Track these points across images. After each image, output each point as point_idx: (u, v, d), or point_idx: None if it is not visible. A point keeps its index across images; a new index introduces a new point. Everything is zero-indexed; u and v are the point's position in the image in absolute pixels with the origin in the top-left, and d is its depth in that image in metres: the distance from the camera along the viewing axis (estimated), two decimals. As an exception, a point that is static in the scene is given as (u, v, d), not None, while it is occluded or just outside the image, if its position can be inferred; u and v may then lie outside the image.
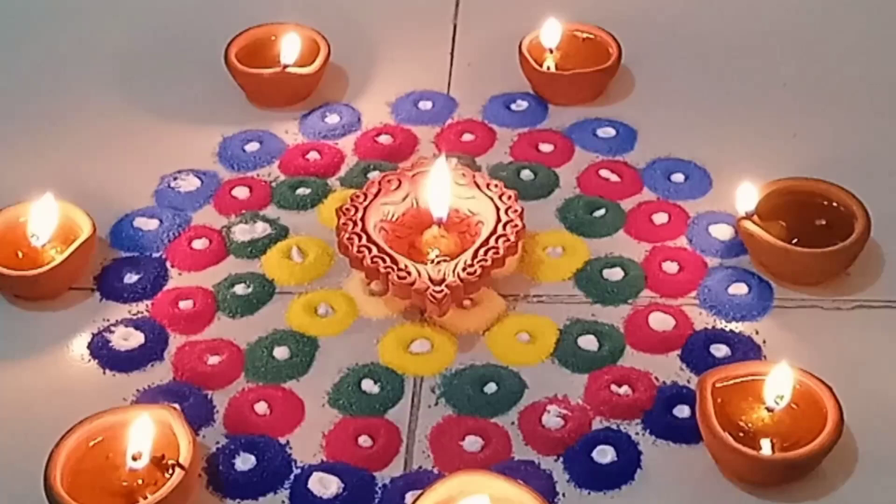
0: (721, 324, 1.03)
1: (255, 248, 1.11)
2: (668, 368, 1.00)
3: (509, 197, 1.07)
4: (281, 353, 1.02)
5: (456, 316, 1.03)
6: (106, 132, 1.25)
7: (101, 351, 1.03)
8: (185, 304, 1.06)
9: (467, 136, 1.22)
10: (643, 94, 1.27)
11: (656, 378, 0.99)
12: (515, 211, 1.06)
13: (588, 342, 1.02)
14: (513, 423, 0.97)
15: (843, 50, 1.32)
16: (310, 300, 1.06)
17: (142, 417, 0.92)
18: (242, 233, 1.12)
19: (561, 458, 0.94)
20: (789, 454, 0.90)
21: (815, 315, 1.04)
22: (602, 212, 1.13)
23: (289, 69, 1.24)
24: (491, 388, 0.99)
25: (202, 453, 0.94)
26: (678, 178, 1.16)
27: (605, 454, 0.94)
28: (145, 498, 0.89)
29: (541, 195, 1.15)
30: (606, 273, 1.07)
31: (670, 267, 1.08)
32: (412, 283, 1.01)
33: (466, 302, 1.04)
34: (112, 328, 1.05)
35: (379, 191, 1.08)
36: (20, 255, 1.07)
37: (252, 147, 1.22)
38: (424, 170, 1.09)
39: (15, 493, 0.93)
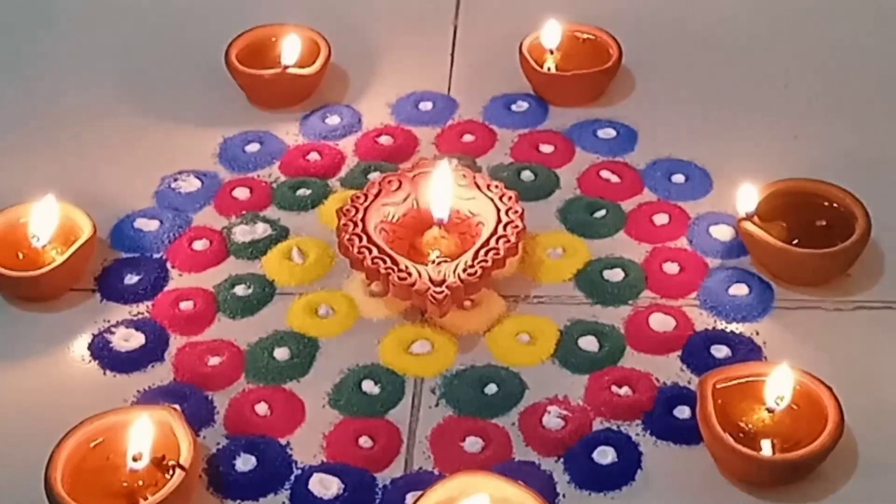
0: (721, 325, 1.03)
1: (256, 249, 1.11)
2: (669, 369, 1.00)
3: (510, 198, 1.07)
4: (281, 353, 1.02)
5: (456, 317, 1.03)
6: (107, 133, 1.25)
7: (102, 352, 1.03)
8: (185, 305, 1.06)
9: (468, 137, 1.22)
10: (643, 94, 1.27)
11: (657, 379, 0.99)
12: (516, 212, 1.06)
13: (588, 343, 1.02)
14: (513, 423, 0.97)
15: (844, 51, 1.32)
16: (310, 301, 1.06)
17: (142, 418, 0.92)
18: (243, 234, 1.12)
19: (561, 459, 0.94)
20: (790, 455, 0.90)
21: (815, 316, 1.04)
22: (602, 213, 1.13)
23: (289, 70, 1.24)
24: (491, 388, 0.99)
25: (203, 454, 0.94)
26: (679, 178, 1.16)
27: (605, 455, 0.94)
28: (146, 499, 0.89)
29: (541, 196, 1.15)
30: (607, 274, 1.07)
31: (671, 268, 1.08)
32: (413, 284, 1.01)
33: (467, 303, 1.04)
34: (112, 329, 1.05)
35: (379, 192, 1.08)
36: (21, 255, 1.07)
37: (252, 148, 1.22)
38: (425, 171, 1.09)
39: (15, 493, 0.92)
